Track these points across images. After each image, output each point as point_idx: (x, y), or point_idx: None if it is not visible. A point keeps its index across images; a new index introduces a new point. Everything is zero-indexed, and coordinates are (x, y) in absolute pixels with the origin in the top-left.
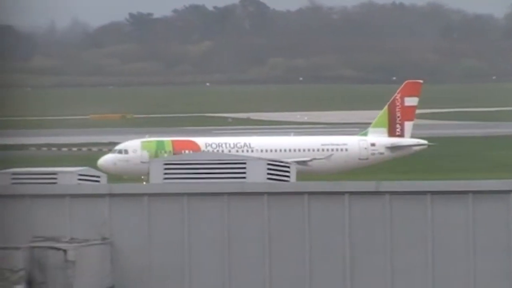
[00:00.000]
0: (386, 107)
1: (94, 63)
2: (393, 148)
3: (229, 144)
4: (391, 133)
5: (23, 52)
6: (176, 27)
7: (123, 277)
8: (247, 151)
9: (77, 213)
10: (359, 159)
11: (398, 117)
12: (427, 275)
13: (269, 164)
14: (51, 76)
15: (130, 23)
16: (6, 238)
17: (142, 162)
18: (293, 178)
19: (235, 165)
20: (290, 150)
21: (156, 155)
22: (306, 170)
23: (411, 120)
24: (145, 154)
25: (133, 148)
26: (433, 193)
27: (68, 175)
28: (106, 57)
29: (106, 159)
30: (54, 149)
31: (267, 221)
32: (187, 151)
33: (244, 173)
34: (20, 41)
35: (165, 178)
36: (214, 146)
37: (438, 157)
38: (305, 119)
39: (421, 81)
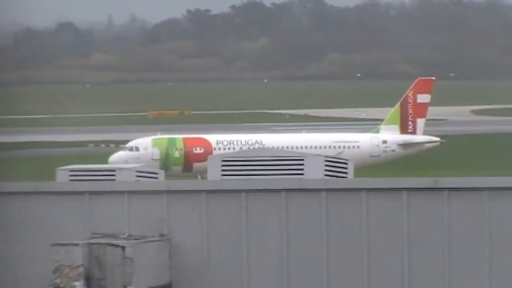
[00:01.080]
0: (398, 104)
1: (152, 59)
2: (405, 145)
3: (241, 141)
4: (403, 130)
5: (82, 48)
6: (233, 24)
7: (182, 274)
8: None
9: (135, 210)
10: (371, 156)
11: (411, 114)
12: (484, 271)
13: (326, 160)
14: (110, 72)
15: (188, 20)
16: (65, 234)
17: (153, 160)
18: (350, 174)
19: (293, 162)
20: (302, 147)
21: (167, 152)
22: None
23: (424, 117)
24: (156, 151)
25: (144, 145)
26: (490, 189)
27: (126, 172)
28: (164, 53)
29: (117, 157)
30: (112, 145)
31: (325, 217)
32: (197, 148)
33: (302, 169)
34: (79, 37)
35: (223, 175)
36: (225, 143)
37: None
38: (363, 115)
39: (433, 78)
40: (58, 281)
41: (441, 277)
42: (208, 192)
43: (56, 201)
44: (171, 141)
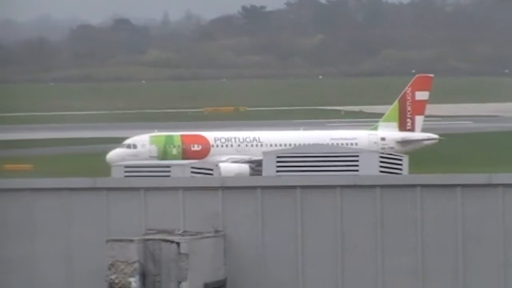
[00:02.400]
0: (396, 101)
1: (207, 56)
2: (403, 142)
3: (239, 139)
4: (402, 127)
5: (138, 44)
6: (288, 20)
7: (237, 270)
8: (256, 145)
9: (190, 206)
10: None
11: (409, 111)
12: None
13: (381, 156)
14: (165, 69)
15: (243, 16)
16: (120, 230)
17: (151, 157)
18: (405, 170)
19: (348, 158)
20: (299, 145)
21: (164, 150)
22: None
23: (422, 114)
24: (154, 149)
25: (141, 142)
26: None
27: (181, 168)
28: (219, 50)
29: (115, 154)
30: None
31: (379, 213)
32: (195, 146)
33: (356, 165)
34: (135, 34)
35: (278, 171)
36: (223, 140)
37: None
38: None
39: (431, 75)
40: (113, 277)
41: (497, 273)
42: (263, 188)
43: (111, 197)
44: (169, 138)
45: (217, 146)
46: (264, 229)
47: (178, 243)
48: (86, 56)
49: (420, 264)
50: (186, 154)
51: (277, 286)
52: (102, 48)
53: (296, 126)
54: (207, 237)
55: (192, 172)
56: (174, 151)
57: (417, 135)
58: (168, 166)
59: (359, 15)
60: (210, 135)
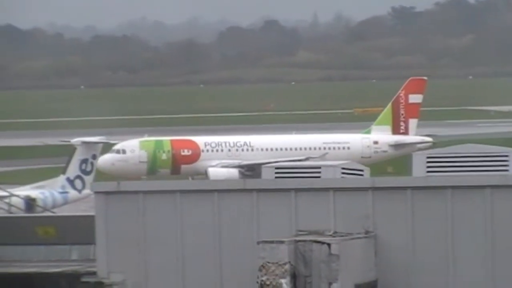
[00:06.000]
0: (389, 104)
1: (357, 57)
2: (396, 146)
3: (229, 143)
4: (395, 130)
5: (288, 46)
6: (438, 21)
7: (387, 271)
8: (247, 149)
9: (341, 207)
10: (362, 157)
11: (402, 114)
12: None
13: None
14: (315, 70)
15: (393, 17)
16: (271, 231)
17: (141, 162)
18: None
19: (497, 158)
20: (291, 149)
21: (154, 155)
22: None
23: (416, 117)
24: (144, 154)
25: (131, 148)
26: None
27: (332, 169)
28: (369, 51)
29: (104, 159)
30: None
31: None
32: (185, 150)
33: (506, 165)
34: (285, 35)
35: (428, 171)
36: (213, 145)
37: None
38: None
39: (425, 78)
40: (264, 278)
41: None
42: (413, 188)
43: (262, 198)
44: (159, 144)
45: (207, 151)
46: (414, 229)
47: (329, 244)
48: (236, 58)
49: None
50: (175, 159)
51: None
52: (252, 50)
53: (445, 127)
54: (358, 238)
55: (342, 173)
56: (164, 156)
57: (411, 138)
58: (318, 167)
59: (508, 14)
60: (200, 140)
